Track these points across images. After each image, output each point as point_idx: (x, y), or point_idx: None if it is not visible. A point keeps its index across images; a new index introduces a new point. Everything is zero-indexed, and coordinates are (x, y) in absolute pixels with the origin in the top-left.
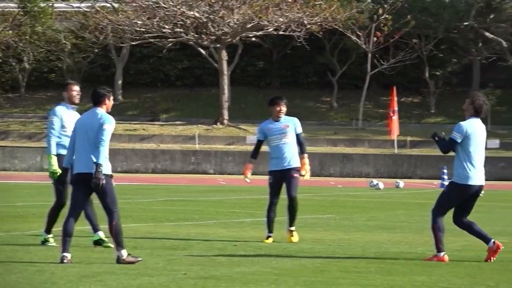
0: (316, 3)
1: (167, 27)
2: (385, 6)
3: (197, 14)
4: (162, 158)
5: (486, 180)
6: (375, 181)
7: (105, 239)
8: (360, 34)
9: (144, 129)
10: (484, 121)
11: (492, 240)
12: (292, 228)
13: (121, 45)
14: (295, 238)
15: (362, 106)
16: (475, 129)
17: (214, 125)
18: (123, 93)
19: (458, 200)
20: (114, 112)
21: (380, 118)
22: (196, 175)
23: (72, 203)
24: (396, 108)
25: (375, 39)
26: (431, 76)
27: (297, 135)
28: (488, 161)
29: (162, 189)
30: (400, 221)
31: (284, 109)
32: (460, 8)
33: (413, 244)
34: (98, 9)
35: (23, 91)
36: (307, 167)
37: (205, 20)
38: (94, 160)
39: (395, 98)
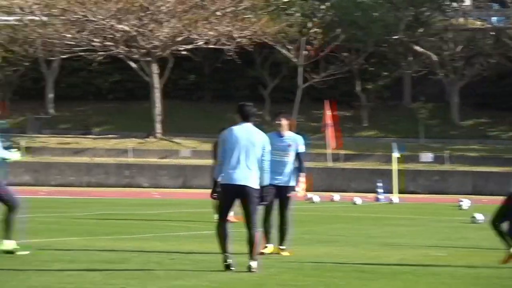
0: (245, 16)
1: (96, 40)
2: (315, 19)
3: (126, 28)
4: (96, 172)
5: (420, 193)
6: (309, 194)
7: None
8: (290, 47)
9: (77, 143)
10: (417, 134)
11: None
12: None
13: (51, 58)
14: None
15: (295, 119)
16: None
17: (147, 139)
18: (55, 106)
19: None
20: (46, 125)
21: (313, 131)
22: (131, 188)
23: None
24: (329, 122)
25: (306, 52)
26: (363, 90)
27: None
28: (422, 174)
29: (97, 202)
30: (337, 235)
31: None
32: (389, 22)
33: (350, 257)
34: (27, 22)
35: None
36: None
37: (134, 33)
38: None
39: (328, 112)
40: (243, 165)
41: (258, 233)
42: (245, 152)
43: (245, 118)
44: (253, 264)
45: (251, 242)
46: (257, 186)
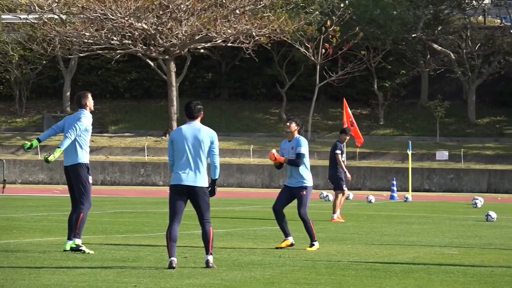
0: (264, 15)
1: (115, 38)
2: (333, 18)
3: (145, 26)
4: (111, 170)
5: (435, 191)
6: (324, 192)
7: None
8: (308, 46)
9: (92, 141)
10: (433, 132)
11: None
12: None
13: (69, 56)
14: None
15: (311, 117)
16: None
17: (163, 137)
18: (72, 104)
19: None
20: None
21: (329, 129)
22: (146, 187)
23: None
24: (352, 119)
25: (323, 51)
26: (380, 87)
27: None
28: (437, 172)
29: (112, 201)
30: (350, 233)
31: (288, 125)
32: (408, 20)
33: (363, 255)
34: (46, 20)
35: None
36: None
37: (153, 31)
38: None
39: (348, 109)
40: (191, 165)
41: (211, 228)
42: (193, 152)
43: (190, 116)
44: (210, 258)
45: (206, 238)
46: (206, 184)
